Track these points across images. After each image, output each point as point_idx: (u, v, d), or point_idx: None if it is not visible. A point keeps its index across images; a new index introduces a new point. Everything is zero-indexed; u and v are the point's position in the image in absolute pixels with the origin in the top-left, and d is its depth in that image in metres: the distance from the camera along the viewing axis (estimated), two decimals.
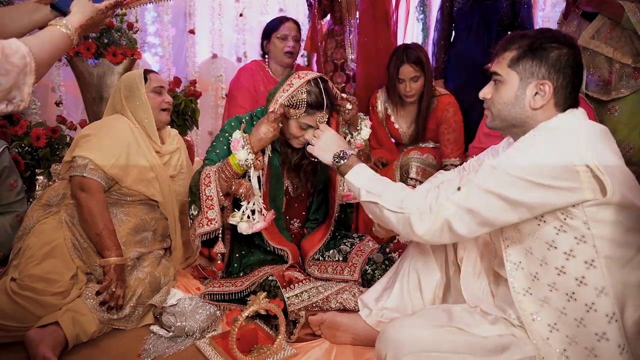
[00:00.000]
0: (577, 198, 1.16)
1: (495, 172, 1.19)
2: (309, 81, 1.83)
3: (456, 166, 2.40)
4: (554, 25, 4.22)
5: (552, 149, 1.18)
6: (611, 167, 1.18)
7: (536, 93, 1.27)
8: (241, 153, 1.76)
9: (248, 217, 1.80)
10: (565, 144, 1.18)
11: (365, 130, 2.06)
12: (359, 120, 2.05)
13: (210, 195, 1.77)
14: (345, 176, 1.42)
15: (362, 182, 1.38)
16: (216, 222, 1.77)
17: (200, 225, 1.78)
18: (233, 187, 1.78)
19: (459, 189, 1.20)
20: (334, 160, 1.50)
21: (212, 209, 1.77)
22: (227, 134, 1.93)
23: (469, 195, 1.19)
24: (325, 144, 1.57)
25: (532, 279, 1.27)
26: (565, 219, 1.19)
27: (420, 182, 2.06)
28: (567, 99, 1.28)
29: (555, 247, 1.22)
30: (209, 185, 1.78)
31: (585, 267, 1.19)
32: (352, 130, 2.06)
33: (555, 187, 1.16)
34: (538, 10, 4.49)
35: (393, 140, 2.81)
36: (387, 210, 1.27)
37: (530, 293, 1.27)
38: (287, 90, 1.82)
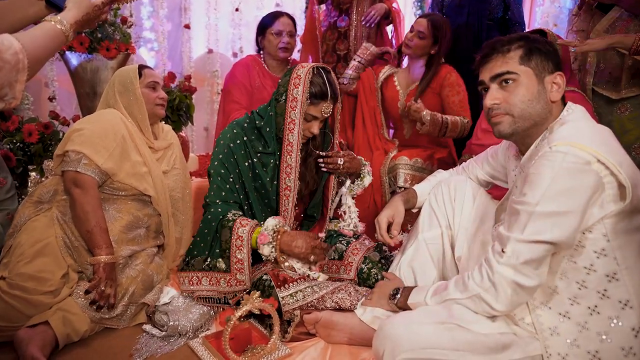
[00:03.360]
0: (604, 212, 1.14)
1: (530, 218, 1.15)
2: (312, 70, 1.83)
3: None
4: (552, 21, 4.20)
5: (574, 166, 1.13)
6: (630, 172, 1.16)
7: (552, 86, 1.27)
8: (266, 249, 1.77)
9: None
10: (583, 157, 1.13)
11: (367, 178, 2.07)
12: (362, 167, 2.06)
13: (241, 259, 1.77)
14: (409, 304, 1.42)
15: (423, 301, 1.36)
16: (245, 283, 1.78)
17: (229, 284, 1.78)
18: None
19: (502, 250, 1.18)
20: (390, 305, 1.50)
21: (242, 272, 1.77)
22: (231, 144, 1.90)
23: (516, 252, 1.17)
24: (377, 298, 1.57)
25: (551, 292, 1.24)
26: (584, 233, 1.17)
27: None
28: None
29: (575, 262, 1.19)
30: (241, 249, 1.76)
31: (607, 280, 1.16)
32: (353, 178, 2.06)
33: (585, 207, 1.14)
34: (536, 6, 4.46)
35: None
36: (458, 300, 1.26)
37: (549, 307, 1.24)
38: (299, 85, 1.81)
